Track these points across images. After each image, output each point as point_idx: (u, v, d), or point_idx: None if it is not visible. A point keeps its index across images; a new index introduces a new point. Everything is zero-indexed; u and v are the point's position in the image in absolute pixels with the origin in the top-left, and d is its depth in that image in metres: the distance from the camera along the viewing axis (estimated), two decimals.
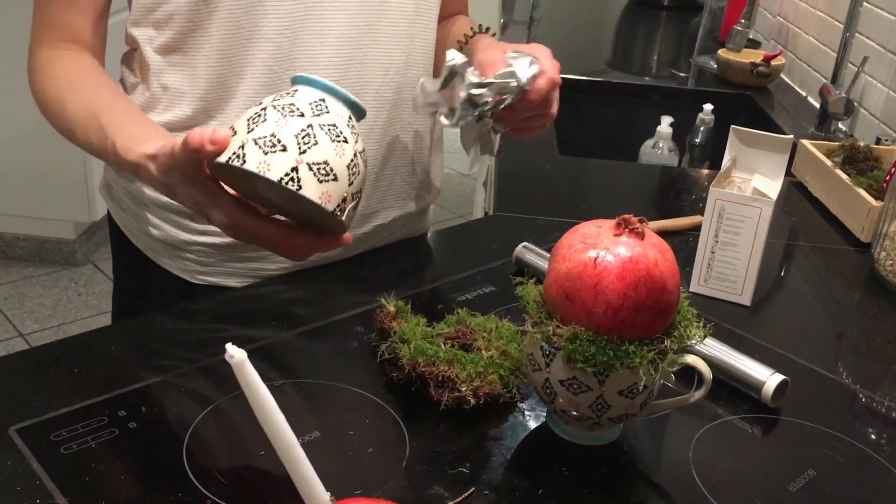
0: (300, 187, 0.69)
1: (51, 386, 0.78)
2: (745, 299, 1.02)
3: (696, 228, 1.10)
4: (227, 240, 0.98)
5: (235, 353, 0.46)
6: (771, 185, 1.02)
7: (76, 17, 0.91)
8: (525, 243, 1.05)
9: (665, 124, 1.72)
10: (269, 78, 0.91)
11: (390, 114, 0.99)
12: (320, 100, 0.72)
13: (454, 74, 0.86)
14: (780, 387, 0.82)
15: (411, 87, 1.02)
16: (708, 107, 1.77)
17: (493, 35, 1.04)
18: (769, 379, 0.82)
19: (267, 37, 0.90)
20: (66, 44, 0.91)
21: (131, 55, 0.98)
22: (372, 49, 0.95)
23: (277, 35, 0.90)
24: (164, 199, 0.97)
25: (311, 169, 0.69)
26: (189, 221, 0.98)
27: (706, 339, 0.84)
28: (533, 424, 0.79)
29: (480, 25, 1.04)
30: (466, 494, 0.69)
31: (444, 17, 1.09)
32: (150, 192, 0.98)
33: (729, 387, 0.85)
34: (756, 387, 0.83)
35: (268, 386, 0.49)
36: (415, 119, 1.03)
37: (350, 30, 0.93)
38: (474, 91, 0.85)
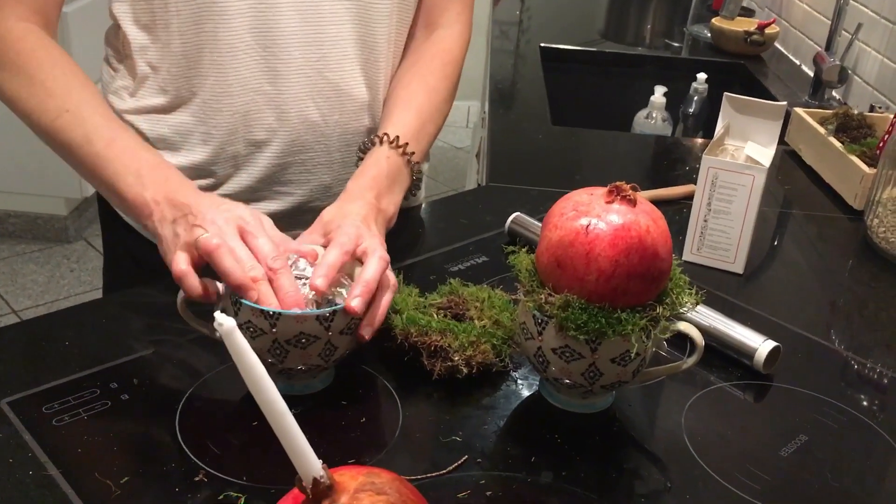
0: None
1: (42, 359, 0.78)
2: (738, 267, 1.02)
3: (690, 198, 1.10)
4: None
5: (224, 322, 0.45)
6: (764, 153, 1.01)
7: None
8: (518, 213, 1.04)
9: (658, 94, 1.71)
10: (249, 56, 0.90)
11: (376, 92, 0.98)
12: None
13: None
14: (773, 353, 0.83)
15: (395, 65, 1.01)
16: (701, 76, 1.76)
17: (404, 146, 0.91)
18: (761, 346, 0.82)
19: (239, 10, 0.88)
20: (33, 15, 0.88)
21: (115, 33, 0.96)
22: (356, 25, 0.93)
23: (249, 9, 0.88)
24: None
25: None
26: None
27: (698, 307, 0.84)
28: (525, 393, 0.79)
29: (386, 135, 0.90)
30: (459, 462, 0.69)
31: (425, 11, 1.03)
32: None
33: (721, 354, 0.85)
34: (748, 353, 0.83)
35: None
36: None
37: (332, 4, 0.91)
38: None
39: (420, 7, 1.02)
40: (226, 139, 0.94)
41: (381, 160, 0.90)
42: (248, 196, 0.96)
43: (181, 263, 0.72)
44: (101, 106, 0.86)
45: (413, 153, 0.92)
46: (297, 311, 0.70)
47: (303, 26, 0.91)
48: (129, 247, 1.04)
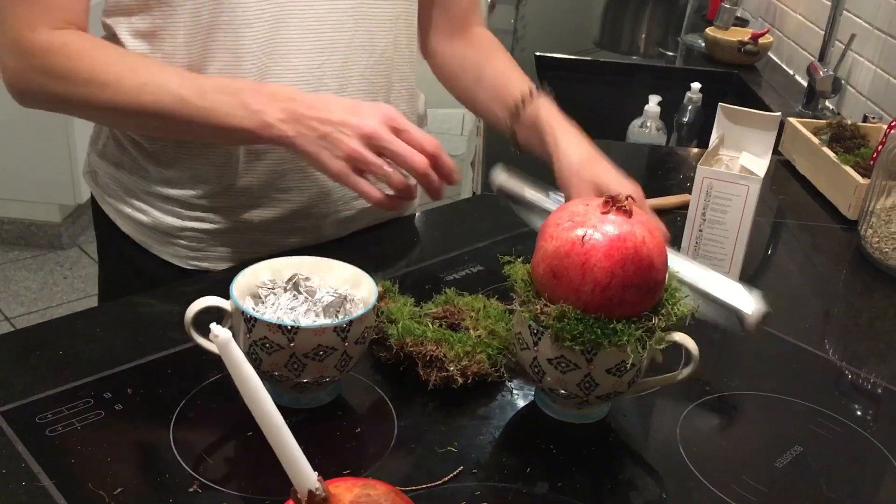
0: None
1: (35, 368, 0.78)
2: (733, 277, 1.02)
3: (685, 207, 1.10)
4: (220, 225, 0.97)
5: (220, 333, 0.45)
6: (758, 163, 1.01)
7: None
8: (501, 164, 1.02)
9: (653, 103, 1.72)
10: (252, 64, 0.90)
11: (376, 97, 0.98)
12: None
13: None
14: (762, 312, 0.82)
15: (397, 69, 1.01)
16: (696, 85, 1.76)
17: (551, 92, 1.01)
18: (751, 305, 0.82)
19: (245, 22, 0.88)
20: (64, 24, 0.88)
21: (111, 39, 0.96)
22: (357, 32, 0.94)
23: (256, 20, 0.88)
24: (154, 186, 0.96)
25: None
26: (180, 208, 0.97)
27: (689, 261, 0.87)
28: (521, 403, 0.79)
29: (530, 89, 1.00)
30: (455, 473, 0.69)
31: (455, 17, 1.07)
32: (139, 179, 0.97)
33: (716, 367, 0.85)
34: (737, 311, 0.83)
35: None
36: (399, 100, 1.02)
37: (333, 13, 0.92)
38: None
39: (446, 15, 1.04)
40: (227, 147, 0.94)
41: (549, 104, 0.98)
42: (246, 200, 0.96)
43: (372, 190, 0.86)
44: (167, 66, 0.88)
45: None
46: (314, 323, 0.70)
47: (305, 34, 0.91)
48: (123, 254, 1.04)
